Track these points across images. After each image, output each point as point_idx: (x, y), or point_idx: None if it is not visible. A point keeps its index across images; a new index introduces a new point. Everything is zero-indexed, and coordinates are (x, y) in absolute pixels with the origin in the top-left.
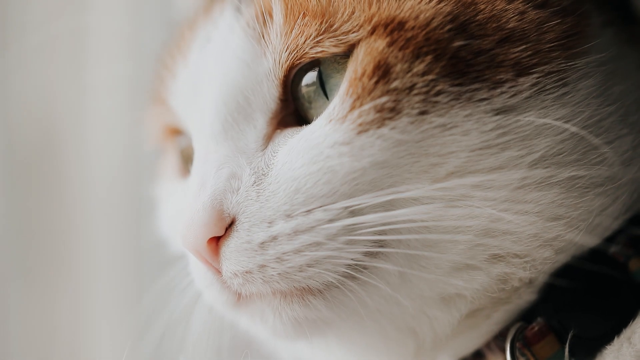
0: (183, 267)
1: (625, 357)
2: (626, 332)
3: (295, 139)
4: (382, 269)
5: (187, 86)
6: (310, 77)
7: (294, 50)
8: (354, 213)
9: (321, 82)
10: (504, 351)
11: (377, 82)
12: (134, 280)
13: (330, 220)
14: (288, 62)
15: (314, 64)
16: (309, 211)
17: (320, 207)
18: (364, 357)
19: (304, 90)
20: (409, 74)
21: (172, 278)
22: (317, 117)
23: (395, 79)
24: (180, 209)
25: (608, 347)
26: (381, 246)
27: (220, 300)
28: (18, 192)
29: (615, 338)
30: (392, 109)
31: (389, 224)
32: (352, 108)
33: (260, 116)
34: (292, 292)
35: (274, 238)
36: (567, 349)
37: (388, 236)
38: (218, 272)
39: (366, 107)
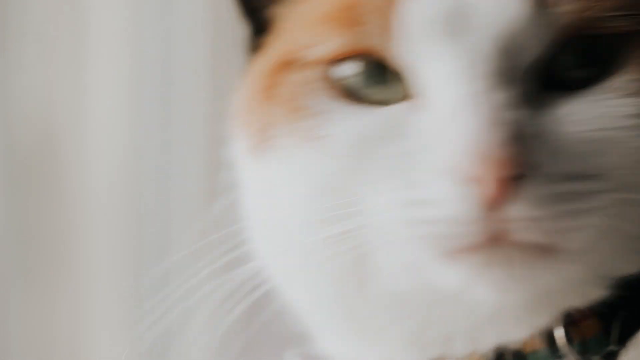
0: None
1: None
2: None
3: (579, 103)
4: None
5: (448, 10)
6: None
7: (582, 17)
8: (626, 185)
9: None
10: None
11: None
12: (134, 281)
13: (609, 190)
14: (573, 22)
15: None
16: (595, 176)
17: (603, 174)
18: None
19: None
20: None
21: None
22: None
23: None
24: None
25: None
26: None
27: (464, 238)
28: (17, 192)
29: None
30: None
31: None
32: None
33: (529, 69)
34: (548, 249)
35: (563, 195)
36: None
37: None
38: (493, 210)
39: None
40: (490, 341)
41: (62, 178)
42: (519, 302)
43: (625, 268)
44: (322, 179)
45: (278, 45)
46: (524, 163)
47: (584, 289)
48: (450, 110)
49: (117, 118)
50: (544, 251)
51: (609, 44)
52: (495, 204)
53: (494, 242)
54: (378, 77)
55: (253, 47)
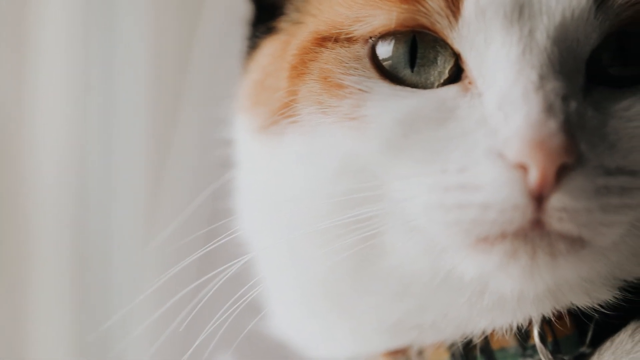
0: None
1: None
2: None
3: (630, 100)
4: None
5: None
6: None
7: (638, 11)
8: None
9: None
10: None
11: None
12: (77, 277)
13: None
14: (627, 17)
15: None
16: (635, 173)
17: None
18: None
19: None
20: None
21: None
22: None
23: None
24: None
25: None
26: None
27: (502, 224)
28: None
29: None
30: None
31: None
32: None
33: (581, 62)
34: (578, 242)
35: (605, 188)
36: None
37: None
38: (539, 199)
39: None
40: (478, 329)
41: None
42: (535, 293)
43: (638, 272)
44: (351, 159)
45: (309, 24)
46: (573, 154)
47: (594, 289)
48: (504, 96)
49: (61, 113)
50: (574, 245)
51: None
52: (540, 191)
53: (530, 231)
54: (421, 57)
55: (260, 31)
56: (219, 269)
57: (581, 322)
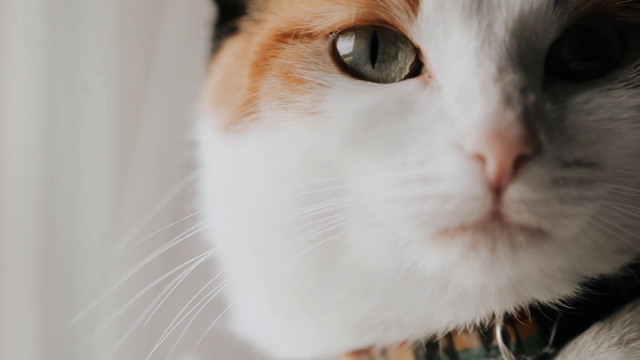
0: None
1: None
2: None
3: (588, 92)
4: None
5: None
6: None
7: (596, 5)
8: (621, 177)
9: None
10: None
11: None
12: (44, 275)
13: (606, 181)
14: (586, 10)
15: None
16: (594, 165)
17: (602, 163)
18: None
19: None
20: None
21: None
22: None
23: None
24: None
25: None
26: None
27: (462, 216)
28: None
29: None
30: None
31: None
32: None
33: (541, 55)
34: (538, 234)
35: (563, 179)
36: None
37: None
38: (497, 190)
39: None
40: (442, 325)
41: None
42: (496, 286)
43: (600, 267)
44: (313, 154)
45: (270, 21)
46: (531, 144)
47: (556, 283)
48: (463, 88)
49: (26, 117)
50: (533, 237)
51: (620, 35)
52: (498, 182)
53: (489, 223)
54: (382, 53)
55: (223, 31)
56: (182, 265)
57: (544, 322)
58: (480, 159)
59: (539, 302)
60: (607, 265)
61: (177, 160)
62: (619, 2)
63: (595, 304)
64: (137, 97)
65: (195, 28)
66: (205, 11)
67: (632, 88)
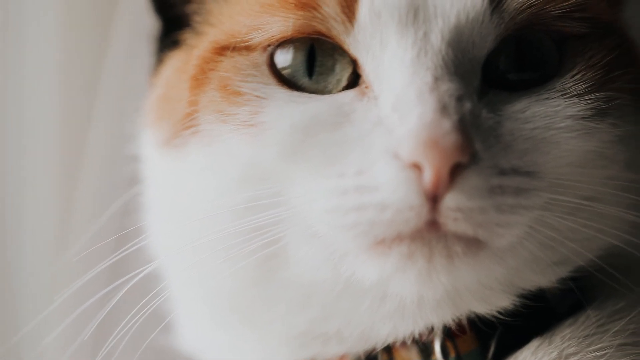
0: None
1: None
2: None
3: (524, 102)
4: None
5: (402, 1)
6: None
7: (532, 14)
8: (557, 187)
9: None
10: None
11: (608, 76)
12: None
13: (543, 190)
14: (522, 20)
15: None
16: (531, 174)
17: (539, 172)
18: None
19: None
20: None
21: None
22: (549, 87)
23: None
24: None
25: None
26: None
27: (398, 225)
28: None
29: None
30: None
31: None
32: (591, 92)
33: (477, 64)
34: (475, 243)
35: (499, 188)
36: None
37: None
38: (432, 197)
39: (605, 94)
40: (381, 338)
41: None
42: (434, 297)
43: (537, 280)
44: (252, 167)
45: (210, 35)
46: (467, 153)
47: (493, 295)
48: (399, 98)
49: None
50: (470, 246)
51: (558, 46)
52: (435, 190)
53: (425, 232)
54: (319, 66)
55: (165, 44)
56: (123, 278)
57: (484, 337)
58: (417, 167)
59: (478, 317)
60: (544, 278)
61: (123, 174)
62: (556, 12)
63: (535, 319)
64: (83, 111)
65: (142, 42)
66: (151, 26)
67: (568, 98)
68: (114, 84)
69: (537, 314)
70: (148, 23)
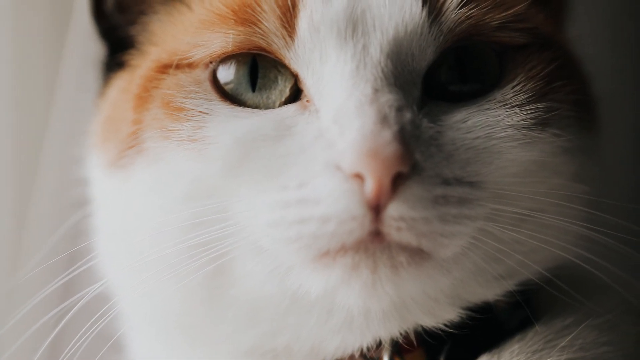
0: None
1: None
2: None
3: (466, 112)
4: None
5: (341, 14)
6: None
7: (471, 25)
8: (501, 197)
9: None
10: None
11: (548, 87)
12: None
13: (486, 199)
14: (461, 32)
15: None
16: (473, 184)
17: (482, 182)
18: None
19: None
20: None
21: None
22: (487, 98)
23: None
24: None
25: None
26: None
27: (342, 237)
28: None
29: None
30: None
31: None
32: (531, 102)
33: (417, 76)
34: (419, 253)
35: (442, 198)
36: None
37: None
38: (374, 208)
39: (545, 104)
40: (330, 351)
41: None
42: (380, 309)
43: (483, 293)
44: (196, 183)
45: (153, 53)
46: (408, 162)
47: (439, 308)
48: (339, 110)
49: None
50: (414, 257)
51: (498, 57)
52: (377, 200)
53: (369, 243)
54: (262, 80)
55: (111, 66)
56: (73, 298)
57: (433, 352)
58: (359, 178)
59: (427, 332)
60: (490, 291)
61: (74, 196)
62: (494, 23)
63: (484, 334)
64: (36, 134)
65: (92, 67)
66: (100, 50)
67: (509, 108)
68: (66, 108)
69: (486, 329)
70: (97, 48)
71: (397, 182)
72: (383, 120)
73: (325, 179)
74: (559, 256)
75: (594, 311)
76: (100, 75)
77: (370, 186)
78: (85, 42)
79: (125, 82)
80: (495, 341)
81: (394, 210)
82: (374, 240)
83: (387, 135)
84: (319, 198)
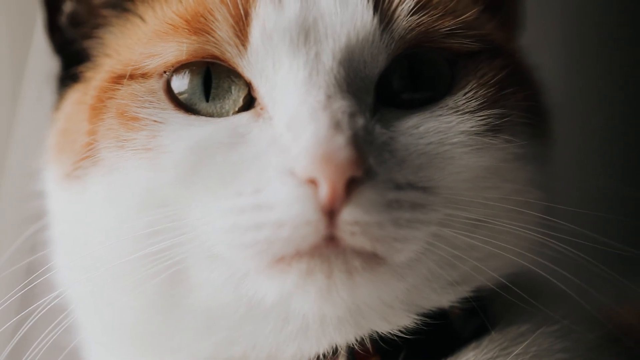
0: None
1: None
2: None
3: (419, 118)
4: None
5: (293, 22)
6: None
7: (422, 32)
8: (454, 203)
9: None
10: None
11: (499, 94)
12: None
13: (439, 204)
14: (412, 39)
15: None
16: (426, 189)
17: (435, 187)
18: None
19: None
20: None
21: None
22: (440, 104)
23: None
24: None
25: None
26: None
27: (296, 242)
28: None
29: None
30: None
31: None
32: (483, 109)
33: (370, 83)
34: (373, 258)
35: (395, 202)
36: None
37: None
38: (328, 213)
39: (497, 111)
40: (286, 359)
41: None
42: (336, 315)
43: (438, 299)
44: (151, 192)
45: (107, 65)
46: (361, 167)
47: (394, 314)
48: (293, 117)
49: None
50: (368, 261)
51: (450, 65)
52: (331, 205)
53: (324, 248)
54: (215, 89)
55: (66, 80)
56: (29, 309)
57: (388, 359)
58: (313, 183)
59: (382, 338)
60: (444, 297)
61: (32, 209)
62: (444, 30)
63: (441, 341)
64: None
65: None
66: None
67: (461, 114)
68: (27, 122)
69: (442, 336)
70: (56, 62)
71: (351, 187)
72: (336, 125)
73: (279, 184)
74: (515, 262)
75: (549, 318)
76: (55, 89)
77: (324, 191)
78: (46, 57)
79: (80, 94)
80: (451, 348)
81: (348, 214)
82: (329, 245)
83: (341, 140)
84: (274, 203)
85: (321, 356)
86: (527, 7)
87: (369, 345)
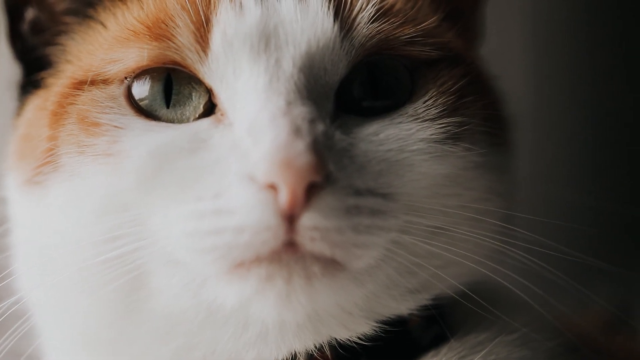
0: None
1: None
2: None
3: (379, 125)
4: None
5: (254, 29)
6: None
7: (382, 40)
8: (414, 210)
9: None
10: None
11: (459, 102)
12: None
13: (398, 211)
14: (372, 46)
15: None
16: (386, 195)
17: (395, 194)
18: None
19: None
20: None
21: None
22: (399, 112)
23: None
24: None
25: None
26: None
27: (255, 247)
28: None
29: None
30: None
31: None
32: (442, 117)
33: (330, 90)
34: (332, 264)
35: (355, 208)
36: None
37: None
38: (288, 218)
39: (457, 119)
40: None
41: None
42: (295, 321)
43: (397, 307)
44: (111, 197)
45: (68, 71)
46: (321, 172)
47: (353, 321)
48: (253, 122)
49: None
50: (328, 267)
51: (410, 73)
52: (291, 210)
53: (283, 254)
54: (176, 95)
55: (27, 86)
56: None
57: None
58: (273, 188)
59: (341, 345)
60: (403, 305)
61: None
62: (404, 37)
63: (399, 348)
64: None
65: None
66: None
67: (421, 122)
68: None
69: (401, 344)
70: (18, 70)
71: (311, 192)
72: (296, 131)
73: (239, 189)
74: (475, 270)
75: (508, 326)
76: (17, 96)
77: (284, 196)
78: (8, 64)
79: (41, 100)
80: (410, 356)
81: (307, 220)
82: (289, 251)
83: (300, 145)
84: (234, 208)
85: None
86: (491, 15)
87: (327, 352)
